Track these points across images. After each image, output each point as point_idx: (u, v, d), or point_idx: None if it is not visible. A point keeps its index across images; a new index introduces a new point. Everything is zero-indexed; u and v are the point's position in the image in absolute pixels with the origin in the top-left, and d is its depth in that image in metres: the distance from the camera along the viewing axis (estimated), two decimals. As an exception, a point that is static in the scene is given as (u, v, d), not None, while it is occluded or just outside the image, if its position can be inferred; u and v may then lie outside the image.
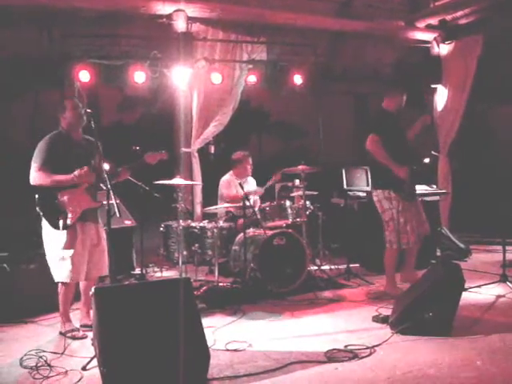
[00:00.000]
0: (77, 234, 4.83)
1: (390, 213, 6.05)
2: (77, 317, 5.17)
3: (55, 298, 5.01)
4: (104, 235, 5.10)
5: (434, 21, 9.68)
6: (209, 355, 3.90)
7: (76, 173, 4.73)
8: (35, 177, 4.77)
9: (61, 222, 4.73)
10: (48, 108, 7.00)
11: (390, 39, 10.02)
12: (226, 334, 4.87)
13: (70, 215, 4.76)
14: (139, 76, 7.51)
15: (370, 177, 8.89)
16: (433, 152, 9.81)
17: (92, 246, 4.99)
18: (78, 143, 4.99)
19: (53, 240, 4.84)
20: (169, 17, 7.90)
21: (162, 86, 8.10)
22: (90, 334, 4.54)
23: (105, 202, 4.52)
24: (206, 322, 4.90)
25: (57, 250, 4.83)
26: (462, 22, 9.49)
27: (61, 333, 4.95)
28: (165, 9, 7.83)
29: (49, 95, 8.25)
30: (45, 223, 4.83)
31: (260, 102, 10.79)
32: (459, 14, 9.34)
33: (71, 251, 4.79)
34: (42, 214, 4.79)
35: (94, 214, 5.05)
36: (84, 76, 7.23)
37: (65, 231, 4.76)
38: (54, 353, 4.44)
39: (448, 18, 9.56)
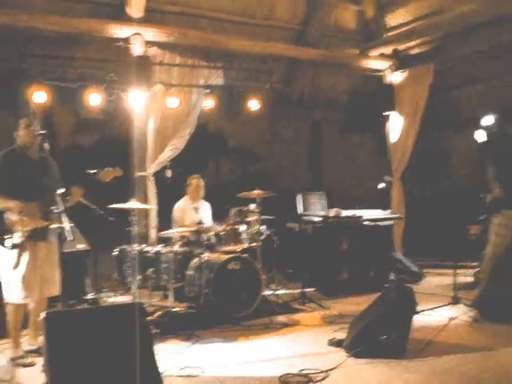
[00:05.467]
0: (27, 253, 4.74)
1: None
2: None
3: (5, 323, 4.87)
4: (57, 253, 4.97)
5: (387, 50, 9.97)
6: (161, 381, 3.85)
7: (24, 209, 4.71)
8: None
9: (9, 241, 4.66)
10: (1, 129, 6.86)
11: (345, 67, 10.24)
12: (179, 360, 4.81)
13: (19, 234, 4.68)
14: (94, 98, 7.43)
15: (325, 202, 8.99)
16: (387, 177, 9.98)
17: (42, 265, 4.87)
18: (31, 161, 4.94)
19: (3, 260, 4.74)
20: (126, 40, 7.91)
21: (118, 109, 8.04)
22: (40, 360, 4.42)
23: (57, 226, 4.44)
24: (160, 347, 4.83)
25: (7, 271, 4.72)
26: (414, 51, 9.80)
27: (11, 359, 4.79)
28: (122, 32, 7.84)
29: (2, 116, 8.09)
30: None
31: (217, 126, 10.77)
32: (411, 43, 9.65)
33: (22, 271, 4.70)
34: None
35: (45, 233, 4.93)
36: (39, 97, 7.13)
37: (15, 251, 4.68)
38: (1, 381, 4.31)
39: (401, 47, 9.87)
